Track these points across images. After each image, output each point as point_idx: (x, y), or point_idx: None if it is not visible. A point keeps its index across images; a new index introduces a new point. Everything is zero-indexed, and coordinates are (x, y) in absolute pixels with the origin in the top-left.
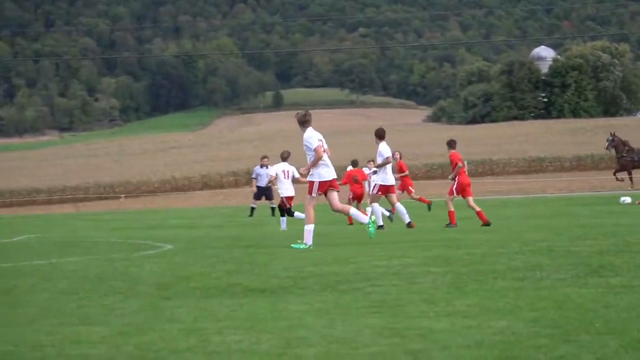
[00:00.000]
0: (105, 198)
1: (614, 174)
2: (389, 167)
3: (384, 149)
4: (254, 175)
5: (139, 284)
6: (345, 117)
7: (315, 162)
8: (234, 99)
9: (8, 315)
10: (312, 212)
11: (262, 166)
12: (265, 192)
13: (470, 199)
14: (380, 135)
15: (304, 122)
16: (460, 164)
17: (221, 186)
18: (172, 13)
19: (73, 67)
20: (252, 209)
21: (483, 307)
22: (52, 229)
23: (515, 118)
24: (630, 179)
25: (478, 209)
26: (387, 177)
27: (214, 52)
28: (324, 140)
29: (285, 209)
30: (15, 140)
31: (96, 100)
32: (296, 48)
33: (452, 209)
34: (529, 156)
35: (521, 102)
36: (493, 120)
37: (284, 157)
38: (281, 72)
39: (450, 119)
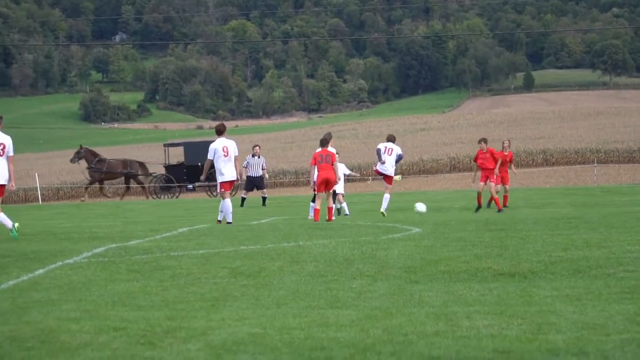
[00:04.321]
0: (353, 181)
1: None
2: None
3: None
4: (244, 164)
5: (387, 267)
6: (598, 98)
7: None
8: (483, 80)
9: (256, 297)
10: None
11: (253, 155)
12: (256, 182)
13: None
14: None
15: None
16: None
17: (469, 169)
18: None
19: (322, 48)
20: (243, 199)
21: None
22: (297, 212)
23: None
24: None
25: None
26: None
27: (464, 33)
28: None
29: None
30: (263, 122)
31: (344, 81)
32: (548, 28)
33: None
34: None
35: None
36: None
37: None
38: (532, 53)
39: None
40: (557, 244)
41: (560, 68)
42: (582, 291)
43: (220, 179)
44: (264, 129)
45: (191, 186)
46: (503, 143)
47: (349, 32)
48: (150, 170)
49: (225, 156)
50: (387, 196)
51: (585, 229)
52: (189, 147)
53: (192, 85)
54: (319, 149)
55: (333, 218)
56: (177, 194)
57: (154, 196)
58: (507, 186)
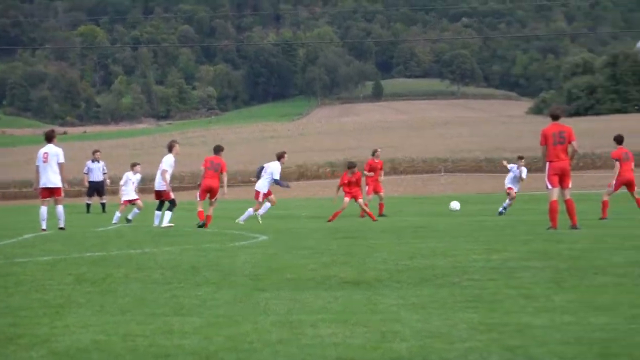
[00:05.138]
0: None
1: None
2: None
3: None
4: (85, 170)
5: (233, 275)
6: (446, 108)
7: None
8: (333, 88)
9: (101, 304)
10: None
11: (94, 160)
12: (97, 187)
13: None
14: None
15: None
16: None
17: (318, 177)
18: (273, 1)
19: (171, 55)
20: (88, 205)
21: (583, 303)
22: (144, 219)
23: (619, 111)
24: None
25: None
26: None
27: (315, 41)
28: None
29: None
30: (112, 128)
31: (194, 88)
32: (397, 37)
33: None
34: (632, 150)
35: (625, 95)
36: (596, 113)
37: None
38: (382, 62)
39: None
40: (403, 252)
41: (409, 77)
42: (427, 300)
43: (39, 184)
44: (112, 135)
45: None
46: (376, 151)
47: (198, 38)
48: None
49: (45, 162)
50: (250, 210)
51: (432, 238)
52: None
53: (40, 91)
54: (213, 155)
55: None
56: None
57: None
58: (381, 194)
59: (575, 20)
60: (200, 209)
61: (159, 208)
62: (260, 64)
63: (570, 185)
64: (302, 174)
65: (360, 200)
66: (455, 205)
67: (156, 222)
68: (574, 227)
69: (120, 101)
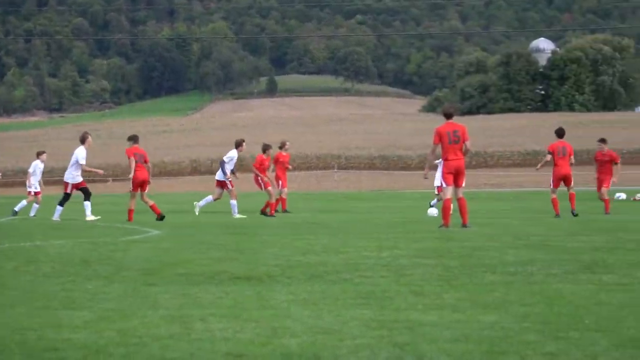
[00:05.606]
0: (93, 181)
1: None
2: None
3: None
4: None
5: (124, 269)
6: (340, 105)
7: None
8: (227, 83)
9: None
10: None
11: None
12: None
13: None
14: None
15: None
16: None
17: (211, 172)
18: None
19: (65, 48)
20: None
21: (472, 301)
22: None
23: (512, 110)
24: None
25: None
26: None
27: (209, 36)
28: None
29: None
30: (4, 120)
31: (87, 81)
32: (292, 34)
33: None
34: (524, 149)
35: (518, 94)
36: (489, 112)
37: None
38: (276, 58)
39: None
40: (295, 248)
41: (304, 74)
42: (318, 296)
43: None
44: (4, 127)
45: None
46: (285, 144)
47: (92, 32)
48: None
49: None
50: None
51: (324, 235)
52: None
53: None
54: (133, 146)
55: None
56: None
57: None
58: (285, 189)
59: (469, 19)
60: (132, 206)
61: (62, 202)
62: (154, 58)
63: (463, 184)
64: (195, 169)
65: (271, 189)
66: (432, 212)
67: (56, 216)
68: (464, 226)
69: (13, 93)
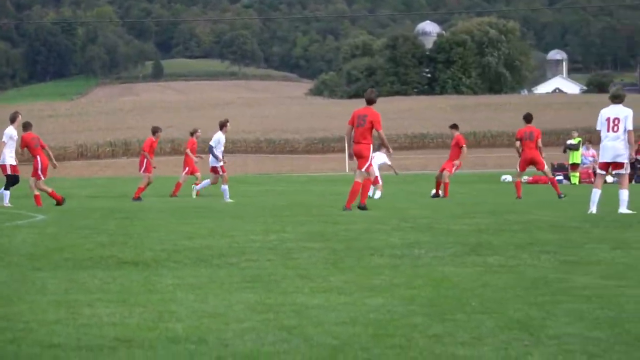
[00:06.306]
0: None
1: None
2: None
3: None
4: None
5: (10, 255)
6: (226, 88)
7: None
8: (113, 68)
9: None
10: None
11: None
12: None
13: None
14: None
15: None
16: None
17: (97, 156)
18: None
19: None
20: None
21: (359, 284)
22: None
23: (398, 93)
24: None
25: None
26: None
27: (94, 20)
28: None
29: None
30: None
31: None
32: (177, 18)
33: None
34: (411, 132)
35: (404, 77)
36: (376, 95)
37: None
38: (162, 42)
39: (332, 93)
40: (182, 232)
41: (190, 58)
42: (204, 280)
43: None
44: None
45: None
46: (195, 131)
47: None
48: None
49: None
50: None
51: (211, 219)
52: None
53: None
54: (28, 132)
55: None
56: None
57: None
58: (198, 174)
59: (355, 2)
60: (37, 192)
61: (7, 186)
62: (39, 42)
63: (363, 169)
64: (81, 154)
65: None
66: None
67: (6, 201)
68: (347, 209)
69: None
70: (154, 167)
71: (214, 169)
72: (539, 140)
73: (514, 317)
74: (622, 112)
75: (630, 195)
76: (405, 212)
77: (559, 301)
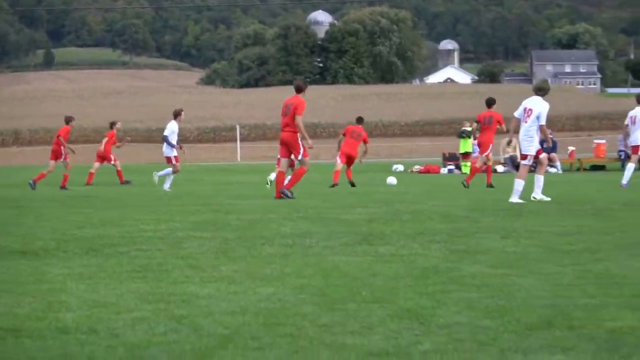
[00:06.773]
0: None
1: None
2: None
3: None
4: None
5: None
6: (117, 77)
7: None
8: (3, 56)
9: None
10: None
11: None
12: None
13: None
14: None
15: None
16: None
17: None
18: None
19: None
20: None
21: (249, 273)
22: None
23: (290, 82)
24: None
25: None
26: None
27: None
28: None
29: None
30: None
31: None
32: (69, 6)
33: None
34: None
35: (296, 67)
36: (268, 85)
37: None
38: (53, 30)
39: (224, 82)
40: (72, 222)
41: (81, 46)
42: (94, 270)
43: None
44: None
45: None
46: (115, 123)
47: None
48: None
49: None
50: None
51: (102, 208)
52: None
53: None
54: None
55: None
56: None
57: None
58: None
59: None
60: None
61: None
62: None
63: (300, 157)
64: None
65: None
66: (392, 180)
67: None
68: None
69: None
70: (73, 153)
71: (169, 159)
72: (502, 125)
73: (405, 307)
74: (537, 106)
75: (547, 185)
76: (296, 201)
77: (449, 290)
